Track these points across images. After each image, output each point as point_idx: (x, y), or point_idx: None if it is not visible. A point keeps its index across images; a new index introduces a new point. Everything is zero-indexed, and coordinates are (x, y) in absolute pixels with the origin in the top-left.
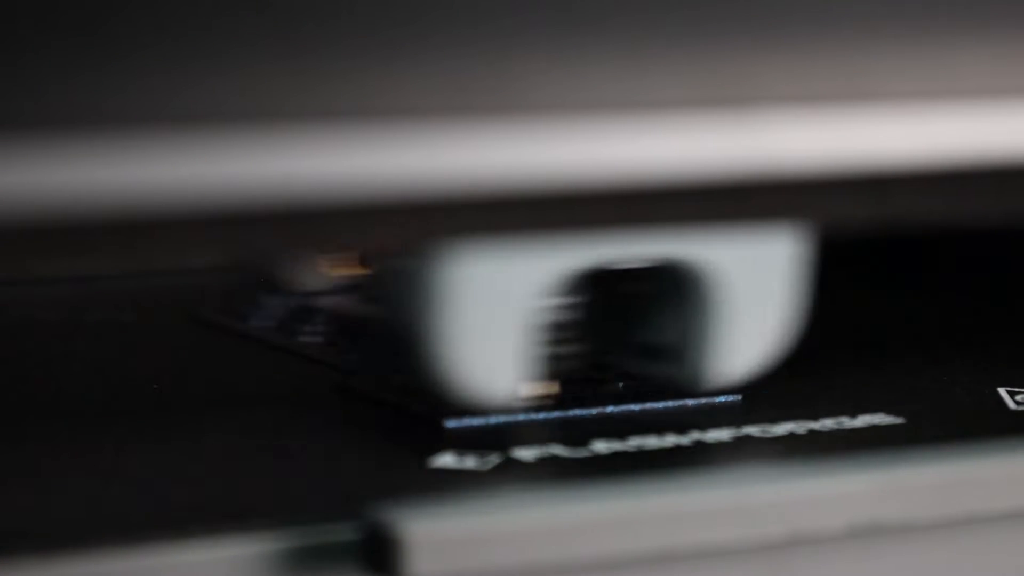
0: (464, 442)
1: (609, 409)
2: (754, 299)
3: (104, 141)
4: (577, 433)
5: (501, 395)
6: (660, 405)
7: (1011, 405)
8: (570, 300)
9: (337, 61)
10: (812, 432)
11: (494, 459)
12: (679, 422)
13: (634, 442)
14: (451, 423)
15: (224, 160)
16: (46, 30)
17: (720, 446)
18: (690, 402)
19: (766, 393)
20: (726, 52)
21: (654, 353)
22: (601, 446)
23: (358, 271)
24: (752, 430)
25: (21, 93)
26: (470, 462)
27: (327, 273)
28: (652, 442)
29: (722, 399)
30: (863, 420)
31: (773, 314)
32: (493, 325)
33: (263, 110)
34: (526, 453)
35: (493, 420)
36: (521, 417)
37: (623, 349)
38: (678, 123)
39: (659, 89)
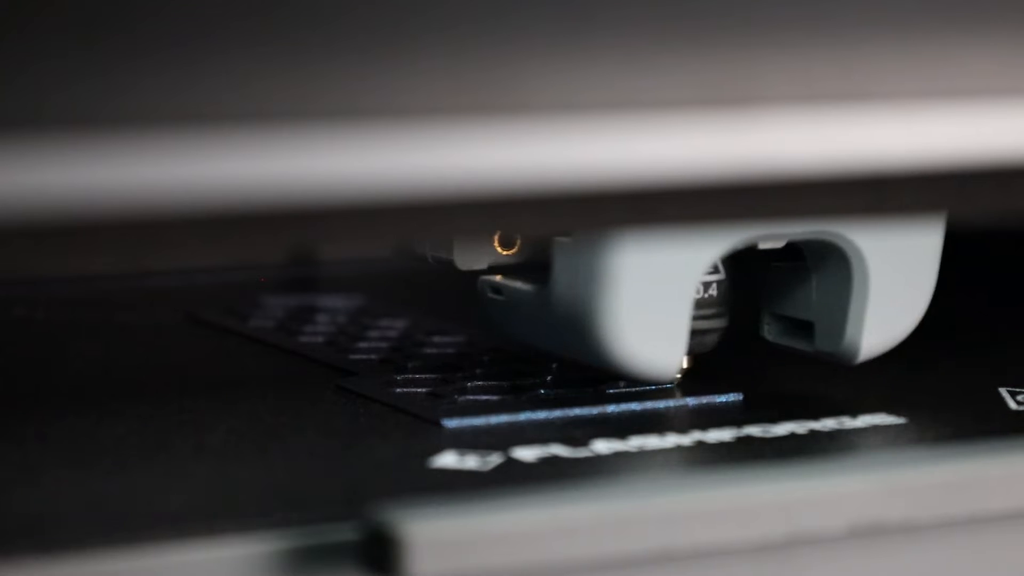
0: (464, 442)
1: (609, 409)
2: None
3: (104, 141)
4: (577, 433)
5: (660, 369)
6: (661, 405)
7: (1012, 405)
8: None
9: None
10: (812, 432)
11: (494, 459)
12: (680, 422)
13: (634, 442)
14: (451, 423)
15: (235, 160)
16: (47, 31)
17: (721, 446)
18: (691, 402)
19: (767, 393)
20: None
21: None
22: (601, 446)
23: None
24: (753, 430)
25: (21, 93)
26: (471, 462)
27: (495, 252)
28: (652, 442)
29: (723, 399)
30: (863, 420)
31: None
32: (655, 303)
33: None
34: (526, 453)
35: (493, 420)
36: (521, 417)
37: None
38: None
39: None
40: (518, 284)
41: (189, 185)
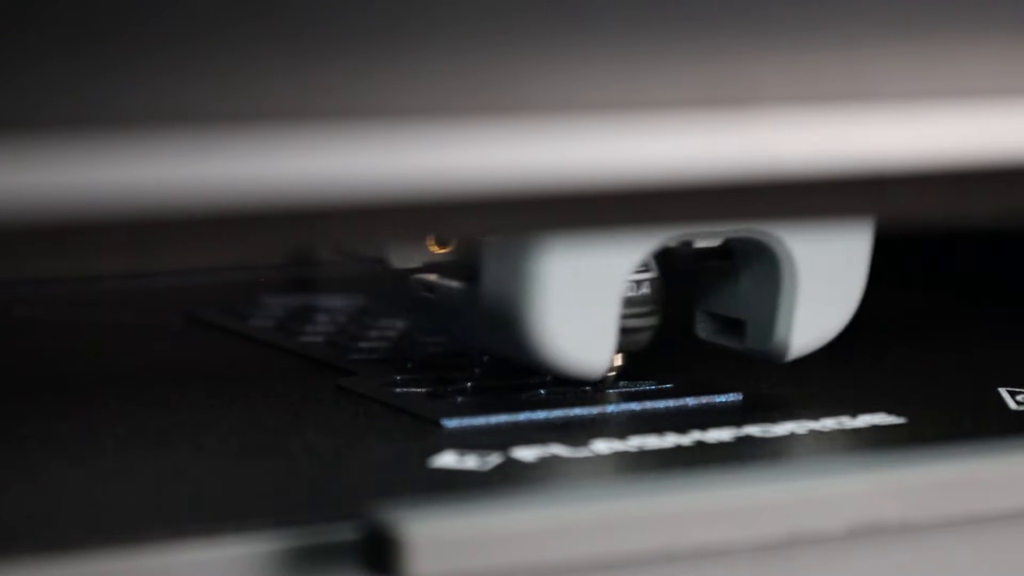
0: (464, 442)
1: (609, 409)
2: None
3: (104, 141)
4: (577, 433)
5: (588, 367)
6: (661, 405)
7: (1011, 405)
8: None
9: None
10: (812, 432)
11: (494, 459)
12: (680, 422)
13: (634, 442)
14: (450, 423)
15: (226, 160)
16: (47, 31)
17: (721, 446)
18: (691, 402)
19: (766, 393)
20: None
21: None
22: (601, 446)
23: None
24: (753, 430)
25: (21, 93)
26: (470, 462)
27: (431, 250)
28: (652, 442)
29: (723, 399)
30: (863, 420)
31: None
32: (582, 301)
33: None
34: (526, 453)
35: (493, 420)
36: (521, 417)
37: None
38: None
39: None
40: (450, 283)
41: (189, 185)
